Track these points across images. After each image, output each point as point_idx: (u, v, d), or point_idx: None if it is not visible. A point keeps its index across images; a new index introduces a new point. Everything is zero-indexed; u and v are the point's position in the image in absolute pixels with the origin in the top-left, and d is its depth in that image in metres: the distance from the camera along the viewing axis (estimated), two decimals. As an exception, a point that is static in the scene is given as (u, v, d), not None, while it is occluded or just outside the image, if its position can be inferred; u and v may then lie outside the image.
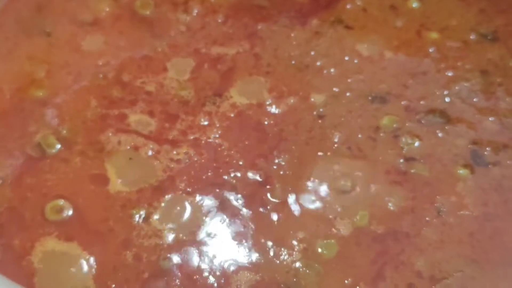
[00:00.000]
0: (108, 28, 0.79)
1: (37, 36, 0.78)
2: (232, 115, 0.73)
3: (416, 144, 0.72)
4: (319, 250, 0.65)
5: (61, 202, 0.67)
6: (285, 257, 0.65)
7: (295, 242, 0.66)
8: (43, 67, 0.76)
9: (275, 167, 0.70)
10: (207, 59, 0.77)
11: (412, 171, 0.70)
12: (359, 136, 0.72)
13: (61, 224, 0.67)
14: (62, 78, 0.76)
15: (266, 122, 0.73)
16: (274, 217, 0.67)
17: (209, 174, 0.70)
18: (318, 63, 0.77)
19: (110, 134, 0.72)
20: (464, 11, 0.81)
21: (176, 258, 0.65)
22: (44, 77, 0.75)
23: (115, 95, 0.74)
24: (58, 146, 0.71)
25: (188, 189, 0.69)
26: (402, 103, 0.74)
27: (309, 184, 0.69)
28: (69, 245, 0.66)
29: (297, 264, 0.64)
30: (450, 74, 0.76)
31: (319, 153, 0.71)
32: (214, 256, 0.66)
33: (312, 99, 0.75)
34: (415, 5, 0.81)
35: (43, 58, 0.77)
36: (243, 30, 0.80)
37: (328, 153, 0.71)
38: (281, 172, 0.69)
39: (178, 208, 0.68)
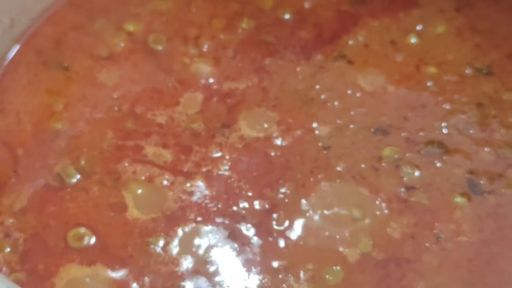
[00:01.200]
0: (123, 62, 0.87)
1: (56, 69, 0.86)
2: (240, 146, 0.81)
3: (416, 173, 0.80)
4: (326, 276, 0.74)
5: (82, 230, 0.75)
6: (293, 284, 0.74)
7: (302, 270, 0.74)
8: (62, 100, 0.84)
9: (281, 196, 0.78)
10: (217, 93, 0.85)
11: (413, 199, 0.78)
12: (362, 166, 0.80)
13: (83, 251, 0.75)
14: (80, 111, 0.83)
15: (273, 154, 0.81)
16: (281, 244, 0.75)
17: (219, 205, 0.78)
18: (323, 97, 0.85)
19: (127, 164, 0.80)
20: (460, 46, 0.89)
21: (189, 285, 0.73)
22: (62, 110, 0.83)
23: (129, 127, 0.82)
24: (78, 176, 0.79)
25: (199, 219, 0.77)
26: (403, 134, 0.82)
27: (314, 211, 0.77)
28: (91, 269, 0.73)
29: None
30: (447, 107, 0.84)
31: (324, 182, 0.79)
32: (224, 283, 0.74)
33: (317, 132, 0.83)
34: (413, 40, 0.89)
35: (61, 91, 0.85)
36: (251, 64, 0.88)
37: (333, 182, 0.79)
38: (287, 200, 0.78)
39: (192, 238, 0.76)
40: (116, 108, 0.83)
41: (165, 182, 0.79)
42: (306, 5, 0.92)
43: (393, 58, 0.88)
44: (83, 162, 0.80)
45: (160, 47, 0.89)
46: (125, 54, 0.88)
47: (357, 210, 0.77)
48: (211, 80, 0.87)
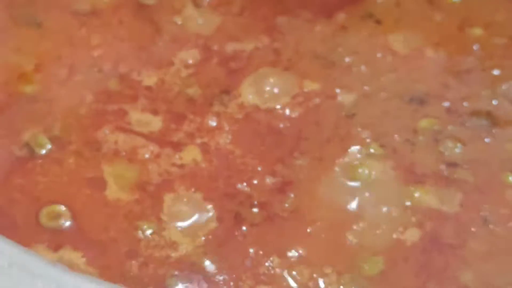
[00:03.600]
0: (107, 18, 0.85)
1: (26, 26, 0.84)
2: (240, 116, 0.79)
3: (459, 148, 0.77)
4: (363, 266, 0.70)
5: (59, 207, 0.72)
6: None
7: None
8: (32, 60, 0.81)
9: (296, 170, 0.75)
10: (218, 55, 0.83)
11: (455, 176, 0.75)
12: (396, 137, 0.77)
13: (56, 232, 0.71)
14: (54, 72, 0.81)
15: (281, 125, 0.78)
16: (297, 227, 0.72)
17: (219, 183, 0.75)
18: (347, 60, 0.83)
19: (107, 132, 0.77)
20: (511, 5, 0.87)
21: (184, 275, 0.70)
22: (33, 71, 0.81)
23: (112, 88, 0.80)
24: (49, 146, 0.76)
25: (193, 191, 0.74)
26: (443, 104, 0.80)
27: (337, 186, 0.74)
28: (57, 254, 0.70)
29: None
30: (496, 73, 0.82)
31: (348, 151, 0.76)
32: (227, 273, 0.70)
33: (340, 98, 0.80)
34: (456, -2, 0.87)
35: (32, 50, 0.82)
36: (261, 23, 0.85)
37: (357, 153, 0.75)
38: (302, 176, 0.74)
39: (188, 218, 0.73)
40: (96, 69, 0.81)
41: (147, 155, 0.75)
42: (327, -41, 0.90)
43: (431, 18, 0.87)
44: (56, 130, 0.77)
45: (151, 1, 0.86)
46: (110, 9, 0.86)
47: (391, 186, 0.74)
48: (211, 40, 0.84)
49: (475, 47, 0.84)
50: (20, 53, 0.82)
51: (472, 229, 0.72)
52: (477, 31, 0.85)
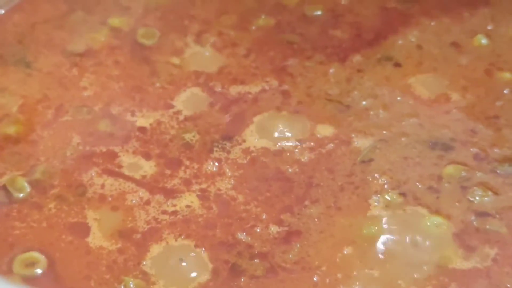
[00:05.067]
0: (101, 59, 0.80)
1: (14, 65, 0.79)
2: (245, 161, 0.72)
3: (490, 197, 0.69)
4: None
5: (35, 254, 0.65)
6: None
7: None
8: (16, 101, 0.76)
9: (305, 220, 0.67)
10: (221, 99, 0.76)
11: (487, 227, 0.67)
12: (418, 185, 0.69)
13: (30, 281, 0.63)
14: (40, 113, 0.76)
15: (290, 170, 0.71)
16: (299, 280, 0.63)
17: (217, 231, 0.67)
18: (363, 103, 0.76)
19: (94, 174, 0.70)
20: (542, 50, 0.81)
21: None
22: (17, 112, 0.75)
23: (102, 129, 0.74)
24: (28, 189, 0.69)
25: (182, 238, 0.66)
26: (471, 150, 0.72)
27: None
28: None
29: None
30: (529, 118, 0.75)
31: (366, 201, 0.68)
32: None
33: (356, 143, 0.73)
34: (483, 41, 0.81)
35: (17, 91, 0.77)
36: (269, 65, 0.80)
37: (373, 202, 0.68)
38: (312, 226, 0.66)
39: (175, 270, 0.64)
40: (86, 109, 0.75)
41: (134, 201, 0.69)
42: (343, 1, 0.85)
43: (455, 61, 0.81)
44: (37, 174, 0.70)
45: (150, 42, 0.81)
46: (105, 50, 0.81)
47: (414, 237, 0.65)
48: (213, 81, 0.78)
49: (505, 91, 0.77)
50: (6, 93, 0.77)
51: (508, 285, 0.63)
52: (507, 75, 0.79)
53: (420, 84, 0.78)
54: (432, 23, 0.84)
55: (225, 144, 0.73)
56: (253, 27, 0.83)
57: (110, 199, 0.69)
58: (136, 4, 0.85)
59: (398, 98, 0.77)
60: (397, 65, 0.80)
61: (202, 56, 0.80)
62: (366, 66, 0.80)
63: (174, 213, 0.68)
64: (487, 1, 0.86)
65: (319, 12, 0.85)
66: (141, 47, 0.81)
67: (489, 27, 0.83)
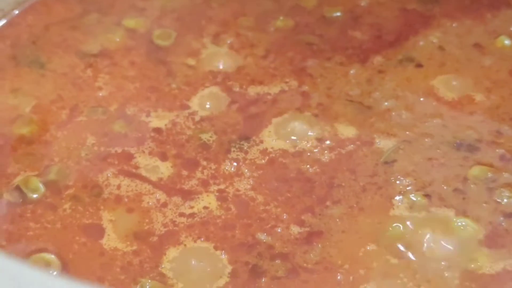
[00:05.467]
0: (116, 60, 0.79)
1: (28, 66, 0.77)
2: (263, 162, 0.70)
3: (517, 198, 0.67)
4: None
5: (47, 256, 0.63)
6: None
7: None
8: (30, 101, 0.75)
9: (326, 220, 0.65)
10: (240, 99, 0.75)
11: (516, 228, 0.65)
12: (443, 186, 0.67)
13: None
14: (54, 114, 0.74)
15: (311, 171, 0.69)
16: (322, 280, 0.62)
17: (237, 232, 0.65)
18: (386, 104, 0.74)
19: (110, 175, 0.69)
20: None
21: None
22: (30, 112, 0.74)
23: (117, 130, 0.72)
24: (43, 190, 0.68)
25: (201, 241, 0.64)
26: (497, 151, 0.70)
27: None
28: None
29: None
30: (556, 118, 0.73)
31: (389, 202, 0.66)
32: None
33: (378, 144, 0.71)
34: (507, 42, 0.79)
35: (31, 91, 0.75)
36: (288, 65, 0.78)
37: (397, 203, 0.66)
38: (333, 226, 0.65)
39: (194, 272, 0.62)
40: (101, 110, 0.74)
41: (150, 202, 0.67)
42: (362, 3, 0.83)
43: (479, 62, 0.79)
44: (52, 174, 0.69)
45: (166, 43, 0.80)
46: (121, 51, 0.80)
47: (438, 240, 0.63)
48: (231, 80, 0.77)
49: (531, 92, 0.75)
50: (19, 94, 0.76)
51: (540, 289, 0.61)
52: (532, 77, 0.76)
53: (443, 85, 0.76)
54: (454, 25, 0.82)
55: (243, 144, 0.71)
56: (272, 28, 0.82)
57: (126, 200, 0.67)
58: (152, 6, 0.84)
59: (421, 99, 0.75)
60: (419, 66, 0.78)
61: (219, 56, 0.78)
62: (387, 67, 0.78)
63: (192, 215, 0.66)
64: (509, 2, 0.84)
65: (338, 14, 0.83)
66: (157, 48, 0.79)
67: (512, 28, 0.81)
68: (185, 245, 0.64)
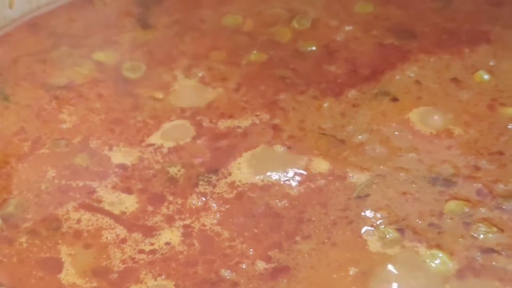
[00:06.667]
0: (83, 92, 0.77)
1: (-11, 98, 0.75)
2: (231, 196, 0.68)
3: (495, 233, 0.64)
4: None
5: None
6: None
7: None
8: None
9: (294, 255, 0.63)
10: (208, 133, 0.73)
11: (493, 263, 0.62)
12: (417, 221, 0.65)
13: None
14: (15, 146, 0.72)
15: (280, 205, 0.67)
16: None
17: (199, 268, 0.62)
18: (360, 137, 0.72)
19: (70, 208, 0.66)
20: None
21: None
22: (-11, 147, 0.71)
23: (78, 164, 0.70)
24: (0, 223, 0.65)
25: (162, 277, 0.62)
26: (474, 185, 0.68)
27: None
28: None
29: None
30: (535, 153, 0.70)
31: (360, 237, 0.64)
32: None
33: (351, 178, 0.69)
34: (485, 77, 0.77)
35: (-11, 125, 0.73)
36: (260, 99, 0.76)
37: (367, 237, 0.63)
38: (301, 262, 0.62)
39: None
40: (64, 142, 0.72)
41: (109, 238, 0.65)
42: (338, 37, 0.82)
43: (456, 96, 0.77)
44: (10, 207, 0.66)
45: (136, 75, 0.78)
46: (88, 84, 0.77)
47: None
48: (200, 115, 0.75)
49: (510, 126, 0.73)
50: (-25, 127, 0.73)
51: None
52: (510, 111, 0.75)
53: (419, 119, 0.74)
54: (431, 59, 0.80)
55: (211, 178, 0.69)
56: (244, 62, 0.80)
57: (86, 234, 0.65)
58: (124, 39, 0.82)
59: (396, 133, 0.73)
60: (395, 99, 0.76)
61: (189, 90, 0.76)
62: (362, 101, 0.76)
63: (153, 251, 0.63)
64: (488, 38, 0.82)
65: (313, 48, 0.81)
66: (126, 81, 0.78)
67: (491, 63, 0.79)
68: (145, 283, 0.61)
